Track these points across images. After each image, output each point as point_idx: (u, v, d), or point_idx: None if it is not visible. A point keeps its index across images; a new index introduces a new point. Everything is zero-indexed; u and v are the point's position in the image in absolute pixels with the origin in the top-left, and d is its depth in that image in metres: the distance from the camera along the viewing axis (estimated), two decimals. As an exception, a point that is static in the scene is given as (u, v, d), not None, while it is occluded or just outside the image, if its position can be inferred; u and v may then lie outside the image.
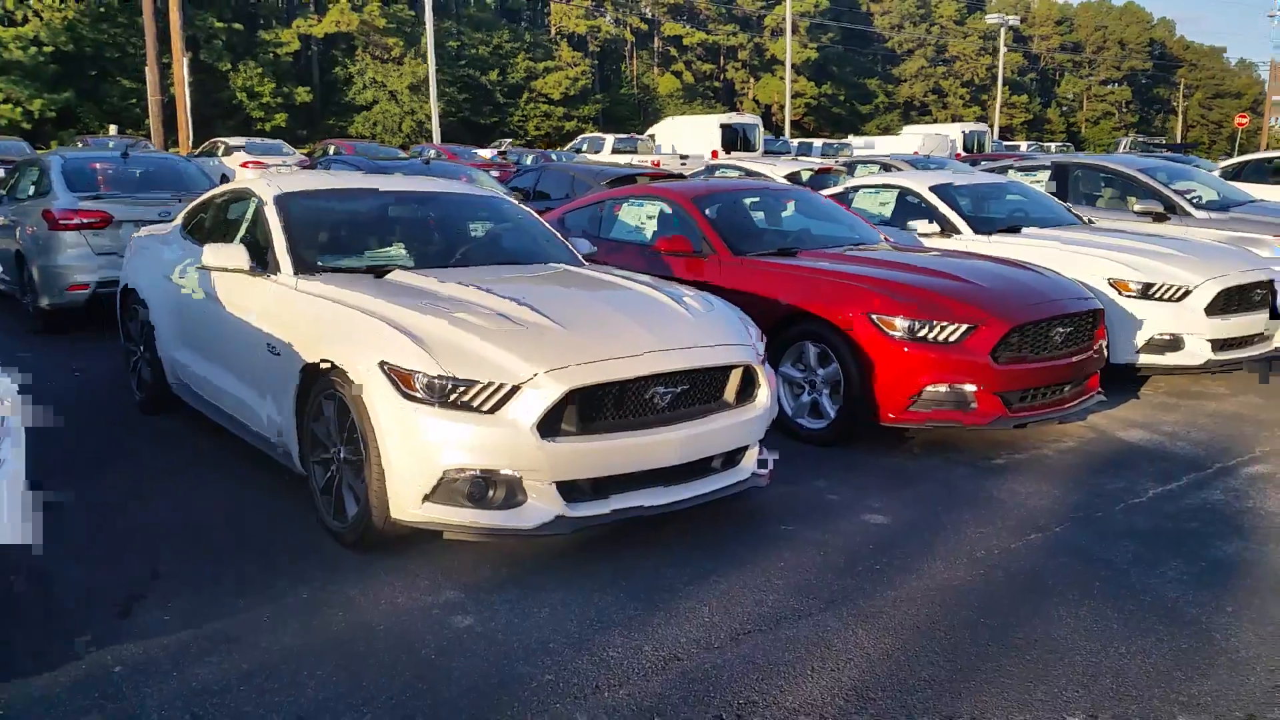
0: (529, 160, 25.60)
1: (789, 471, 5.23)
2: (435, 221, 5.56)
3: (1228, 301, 6.97)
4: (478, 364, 3.74)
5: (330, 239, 5.13)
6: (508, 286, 4.50)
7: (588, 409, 3.83)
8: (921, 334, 5.40)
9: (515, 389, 3.70)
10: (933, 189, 8.37)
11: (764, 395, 4.42)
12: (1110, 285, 6.96)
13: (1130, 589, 3.92)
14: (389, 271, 4.71)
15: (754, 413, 4.35)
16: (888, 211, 8.69)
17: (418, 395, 3.72)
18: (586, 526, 3.87)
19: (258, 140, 25.97)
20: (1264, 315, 7.17)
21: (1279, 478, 5.26)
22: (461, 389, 3.70)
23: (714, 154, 30.17)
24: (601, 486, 3.91)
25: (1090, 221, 8.73)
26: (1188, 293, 6.87)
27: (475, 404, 3.70)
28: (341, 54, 63.18)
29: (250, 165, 21.47)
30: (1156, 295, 6.88)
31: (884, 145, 33.02)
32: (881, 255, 6.37)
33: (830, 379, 5.69)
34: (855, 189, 9.17)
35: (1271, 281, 7.34)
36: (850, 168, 15.98)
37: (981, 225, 8.05)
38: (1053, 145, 46.82)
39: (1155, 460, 5.56)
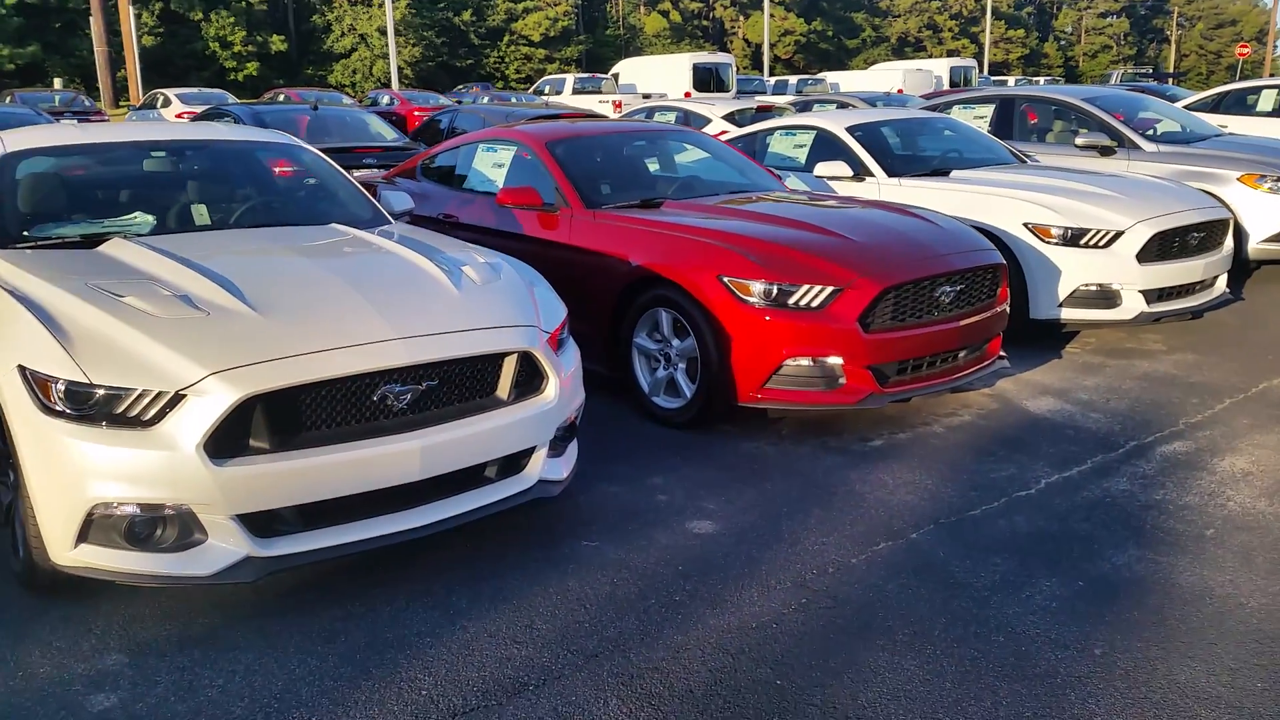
0: (485, 101, 24.53)
1: (624, 467, 4.46)
2: (197, 177, 4.70)
3: (1163, 246, 6.13)
4: (131, 367, 2.93)
5: (55, 204, 4.29)
6: (233, 259, 3.70)
7: (283, 419, 3.02)
8: (779, 299, 4.58)
9: (177, 398, 2.90)
10: (850, 129, 7.49)
11: (553, 386, 3.61)
12: (1029, 231, 6.11)
13: (981, 625, 3.14)
14: (104, 241, 3.88)
15: (538, 408, 3.55)
16: (803, 155, 7.80)
17: (56, 408, 2.92)
18: (288, 568, 3.08)
19: (194, 90, 24.82)
20: (1205, 260, 6.33)
21: (1197, 459, 4.47)
22: (108, 399, 2.90)
23: (686, 94, 29.06)
24: (316, 515, 3.12)
25: (1028, 159, 7.85)
26: (1117, 237, 6.02)
27: (128, 418, 2.90)
28: (319, 1, 61.58)
29: (185, 117, 20.43)
30: (1081, 241, 6.04)
31: (859, 82, 31.75)
32: (757, 207, 5.51)
33: (686, 352, 4.89)
34: (770, 131, 8.28)
35: (1217, 221, 6.49)
36: (806, 106, 15.02)
37: (900, 167, 7.19)
38: (1041, 79, 45.38)
39: (1059, 438, 4.76)
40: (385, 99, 25.69)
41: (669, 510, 4.03)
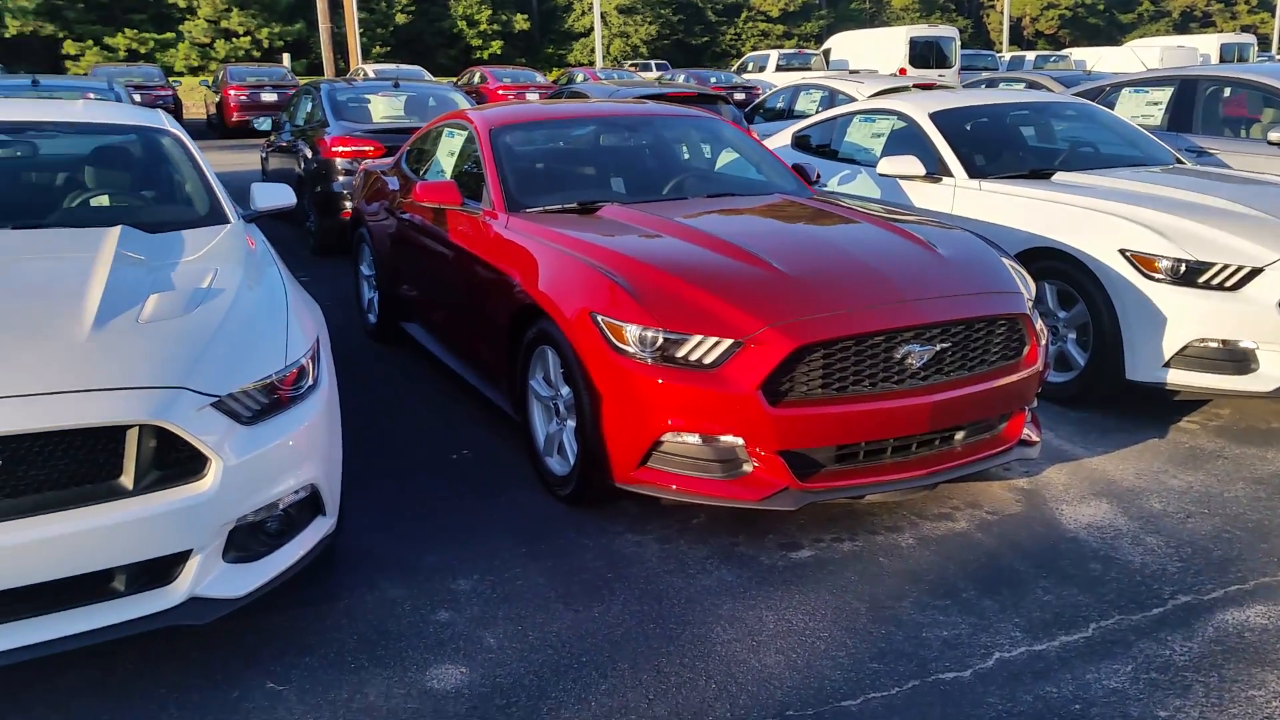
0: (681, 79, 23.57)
1: (440, 558, 3.41)
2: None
3: (1328, 292, 4.30)
4: None
5: None
6: None
7: None
8: (664, 349, 3.33)
9: None
10: (934, 116, 5.94)
11: (215, 472, 2.59)
12: (1127, 260, 4.45)
13: None
14: None
15: (186, 501, 2.55)
16: (879, 146, 6.32)
17: None
18: None
19: (391, 67, 25.44)
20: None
21: (1265, 647, 2.85)
22: None
23: (901, 71, 26.88)
24: None
25: (1192, 157, 6.00)
26: (1252, 275, 4.27)
27: None
28: (561, -19, 62.94)
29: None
30: (1200, 279, 4.32)
31: (1113, 61, 28.20)
32: (705, 221, 4.16)
33: (571, 405, 3.73)
34: (850, 116, 6.81)
35: None
36: (992, 84, 13.05)
37: (991, 166, 5.59)
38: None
39: (1075, 576, 3.24)
40: (476, 76, 25.82)
41: (432, 642, 2.92)
